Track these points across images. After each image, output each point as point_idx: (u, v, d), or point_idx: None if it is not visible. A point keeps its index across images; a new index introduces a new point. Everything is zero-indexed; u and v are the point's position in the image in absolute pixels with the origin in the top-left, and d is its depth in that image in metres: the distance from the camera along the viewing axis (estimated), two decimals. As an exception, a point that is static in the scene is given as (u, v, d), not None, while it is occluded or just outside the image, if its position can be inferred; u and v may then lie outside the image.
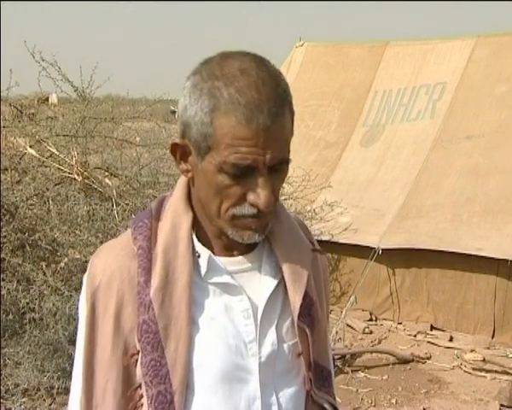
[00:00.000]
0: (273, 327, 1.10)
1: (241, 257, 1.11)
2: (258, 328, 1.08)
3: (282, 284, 1.10)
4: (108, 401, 1.06)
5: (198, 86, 0.99)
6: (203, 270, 1.07)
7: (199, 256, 1.08)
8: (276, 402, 1.09)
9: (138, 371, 1.05)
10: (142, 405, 1.06)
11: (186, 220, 1.07)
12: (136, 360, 1.05)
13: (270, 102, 0.96)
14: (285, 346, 1.11)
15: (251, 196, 0.99)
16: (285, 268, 1.10)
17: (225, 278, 1.08)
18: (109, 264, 1.07)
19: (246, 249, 1.11)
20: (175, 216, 1.08)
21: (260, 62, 0.99)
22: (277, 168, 1.00)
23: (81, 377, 1.07)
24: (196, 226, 1.09)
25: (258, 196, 0.99)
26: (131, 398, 1.06)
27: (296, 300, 1.09)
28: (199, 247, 1.08)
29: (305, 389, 1.14)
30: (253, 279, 1.11)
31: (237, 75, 0.96)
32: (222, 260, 1.09)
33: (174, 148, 1.05)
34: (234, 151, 0.96)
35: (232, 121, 0.95)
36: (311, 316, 1.12)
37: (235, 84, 0.95)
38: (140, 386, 1.06)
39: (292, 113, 1.03)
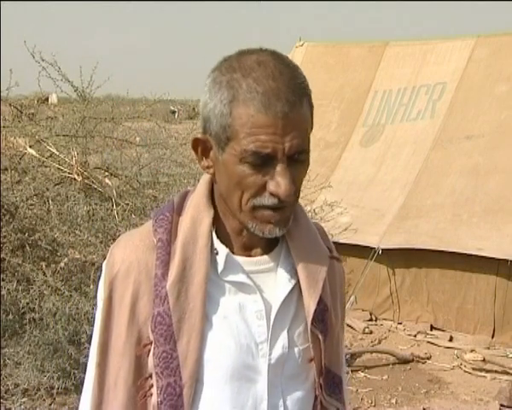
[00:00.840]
0: (285, 330, 1.10)
1: (258, 258, 1.11)
2: (270, 329, 1.08)
3: (297, 288, 1.11)
4: (119, 388, 1.08)
5: (217, 80, 1.01)
6: (220, 267, 1.08)
7: (217, 253, 1.08)
8: (282, 404, 1.10)
9: (150, 361, 1.07)
10: (151, 394, 1.07)
11: (207, 216, 1.08)
12: (149, 351, 1.07)
13: (288, 90, 0.98)
14: (295, 350, 1.11)
15: (271, 186, 1.00)
16: (301, 272, 1.10)
17: (241, 277, 1.08)
18: (128, 254, 1.08)
19: (264, 250, 1.12)
20: (196, 212, 1.09)
21: (277, 56, 1.02)
22: (297, 159, 1.01)
23: (95, 362, 1.09)
24: (216, 224, 1.10)
25: (278, 184, 0.99)
26: (142, 387, 1.08)
27: (310, 305, 1.09)
28: (218, 244, 1.09)
29: (315, 394, 1.14)
30: (269, 281, 1.11)
31: (255, 67, 0.99)
32: (239, 260, 1.10)
33: (196, 143, 1.07)
34: (253, 140, 0.97)
35: (251, 110, 0.97)
36: (324, 322, 1.12)
37: (253, 74, 0.98)
38: (151, 376, 1.07)
39: (311, 106, 1.05)
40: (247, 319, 1.08)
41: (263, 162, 0.99)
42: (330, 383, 1.16)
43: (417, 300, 5.86)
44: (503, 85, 6.39)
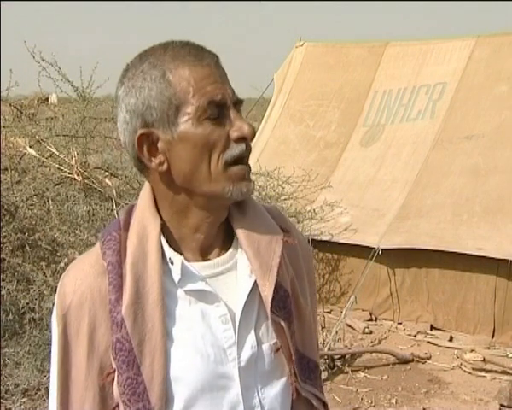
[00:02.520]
0: (252, 328, 1.06)
1: (216, 260, 1.07)
2: (236, 332, 1.05)
3: None
4: None
5: (135, 76, 1.01)
6: (176, 277, 1.03)
7: (172, 263, 1.03)
8: (259, 404, 1.06)
9: (115, 390, 1.02)
10: None
11: (154, 229, 1.03)
12: (113, 379, 1.02)
13: (203, 50, 1.02)
14: (265, 346, 1.07)
15: (234, 132, 1.01)
16: (253, 263, 1.05)
17: (200, 285, 1.04)
18: (79, 284, 1.03)
19: (222, 248, 1.09)
20: (141, 227, 1.04)
21: (179, 41, 1.05)
22: (238, 109, 1.04)
23: (56, 401, 1.04)
24: (166, 232, 1.05)
25: (240, 127, 1.01)
26: None
27: (267, 293, 1.04)
28: (171, 253, 1.04)
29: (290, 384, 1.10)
30: (230, 281, 1.07)
31: (162, 51, 1.02)
32: (196, 266, 1.05)
33: (140, 140, 1.01)
34: (203, 93, 0.98)
35: (187, 70, 0.99)
36: (286, 309, 1.07)
37: (168, 52, 1.01)
38: (118, 406, 1.03)
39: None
40: (211, 327, 1.04)
41: (219, 113, 1.00)
42: (305, 369, 1.12)
43: (417, 300, 5.86)
44: (503, 85, 6.39)
